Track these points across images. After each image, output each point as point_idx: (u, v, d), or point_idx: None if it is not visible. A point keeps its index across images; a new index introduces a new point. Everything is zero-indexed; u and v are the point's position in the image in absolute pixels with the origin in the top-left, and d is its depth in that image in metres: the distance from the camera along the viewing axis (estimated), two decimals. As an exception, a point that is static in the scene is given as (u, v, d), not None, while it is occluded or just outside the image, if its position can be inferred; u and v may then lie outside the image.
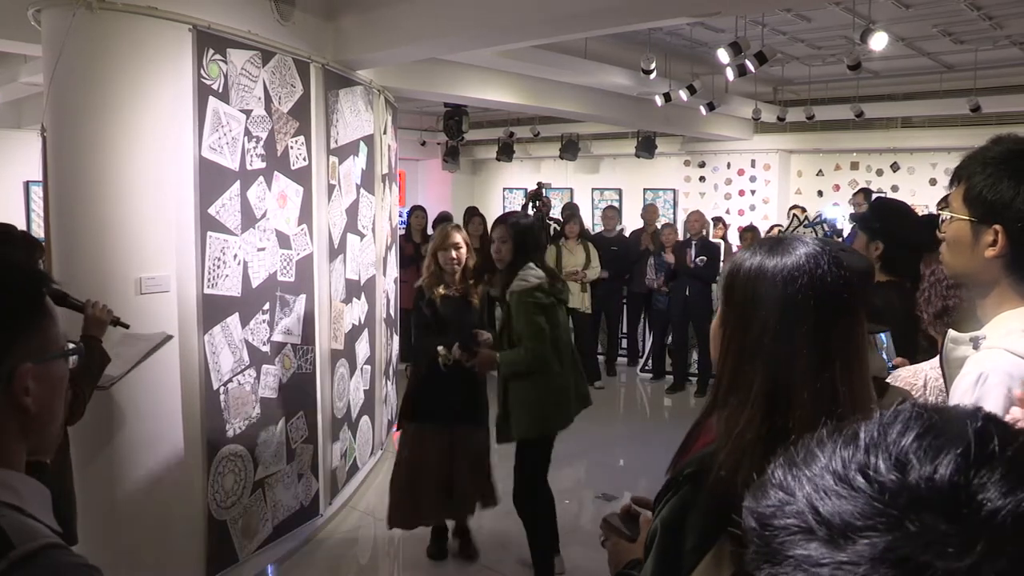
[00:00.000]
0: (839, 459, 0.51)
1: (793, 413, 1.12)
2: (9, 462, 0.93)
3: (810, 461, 0.52)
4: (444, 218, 8.77)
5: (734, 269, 1.22)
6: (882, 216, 2.90)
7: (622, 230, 9.19)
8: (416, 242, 8.38)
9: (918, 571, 0.44)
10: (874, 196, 8.12)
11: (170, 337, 3.37)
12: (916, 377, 2.12)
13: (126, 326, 2.99)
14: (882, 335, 2.15)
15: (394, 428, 6.43)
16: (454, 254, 4.05)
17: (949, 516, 0.45)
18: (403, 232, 8.39)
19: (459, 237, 4.10)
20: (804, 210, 9.42)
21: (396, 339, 6.61)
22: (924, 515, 0.45)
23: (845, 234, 8.03)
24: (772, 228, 9.50)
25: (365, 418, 5.47)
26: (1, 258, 0.98)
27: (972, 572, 0.43)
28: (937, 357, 2.13)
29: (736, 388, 1.17)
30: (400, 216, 9.46)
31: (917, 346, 2.47)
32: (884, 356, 2.12)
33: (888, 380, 2.08)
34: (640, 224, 9.43)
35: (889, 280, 2.70)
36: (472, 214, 8.41)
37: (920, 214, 3.94)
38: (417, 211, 8.74)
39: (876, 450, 0.50)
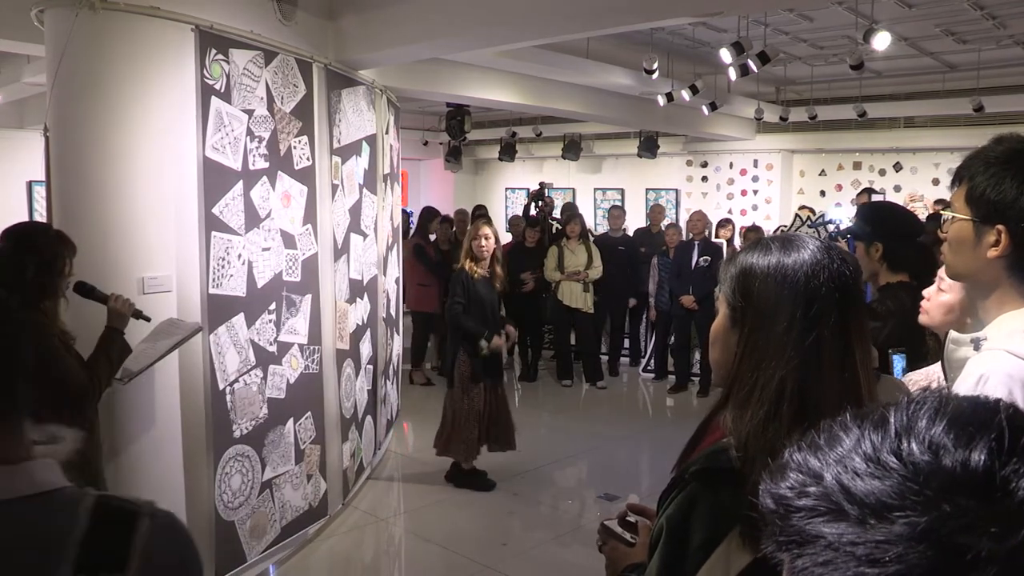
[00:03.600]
0: (869, 442, 0.51)
1: (823, 408, 1.11)
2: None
3: (834, 444, 0.52)
4: (446, 219, 8.79)
5: (746, 268, 1.21)
6: (871, 217, 2.90)
7: (625, 230, 9.18)
8: (444, 250, 8.31)
9: (957, 552, 0.44)
10: (865, 199, 8.13)
11: (200, 328, 3.47)
12: (929, 379, 2.11)
13: (147, 319, 3.17)
14: (897, 356, 2.15)
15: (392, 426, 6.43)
16: (484, 242, 5.14)
17: (983, 500, 0.45)
18: (418, 238, 8.34)
19: (488, 229, 5.21)
20: (813, 211, 9.41)
21: (397, 339, 6.61)
22: (959, 498, 0.45)
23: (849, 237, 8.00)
24: (778, 228, 9.50)
25: (369, 418, 5.48)
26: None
27: (1013, 556, 0.43)
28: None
29: (756, 387, 1.16)
30: (409, 216, 9.37)
31: (927, 348, 2.46)
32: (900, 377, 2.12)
33: (902, 381, 2.08)
34: (641, 223, 9.42)
35: (899, 280, 2.70)
36: (477, 215, 8.43)
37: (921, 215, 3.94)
38: (444, 223, 8.58)
39: (908, 435, 0.50)
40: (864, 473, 0.49)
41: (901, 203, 9.39)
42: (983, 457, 0.47)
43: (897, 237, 2.73)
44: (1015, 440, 0.48)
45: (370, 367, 5.46)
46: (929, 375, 2.13)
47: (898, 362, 2.16)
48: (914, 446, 0.49)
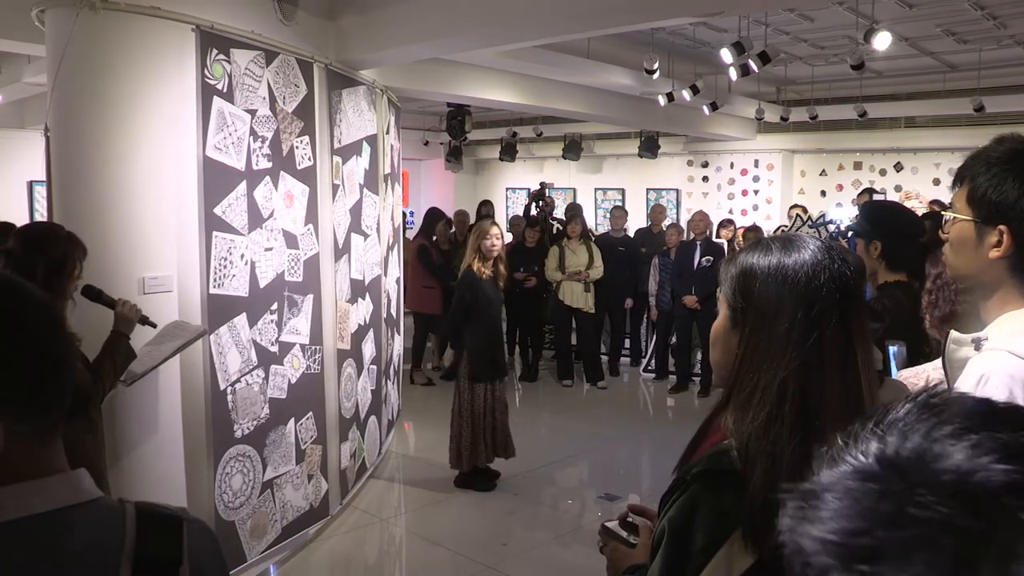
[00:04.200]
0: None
1: (824, 409, 1.12)
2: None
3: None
4: (446, 220, 8.78)
5: (747, 269, 1.21)
6: (872, 216, 2.91)
7: (626, 230, 9.18)
8: (445, 250, 8.31)
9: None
10: (866, 199, 8.12)
11: (206, 331, 3.49)
12: (918, 377, 2.13)
13: (154, 325, 3.19)
14: (893, 348, 2.16)
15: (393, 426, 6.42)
16: (494, 242, 5.19)
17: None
18: (422, 239, 8.31)
19: (496, 229, 5.24)
20: (805, 210, 9.40)
21: (398, 339, 6.61)
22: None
23: (849, 236, 8.01)
24: (777, 229, 9.48)
25: (373, 418, 5.47)
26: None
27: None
28: (938, 359, 2.14)
29: (757, 388, 1.16)
30: (408, 216, 9.35)
31: (929, 347, 2.47)
32: (895, 368, 2.13)
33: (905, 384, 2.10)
34: (641, 223, 9.41)
35: (897, 280, 2.70)
36: (483, 214, 8.45)
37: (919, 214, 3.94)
38: (444, 224, 8.58)
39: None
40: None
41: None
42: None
43: (896, 237, 2.74)
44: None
45: (374, 367, 5.46)
46: (919, 373, 2.14)
47: (892, 352, 2.16)
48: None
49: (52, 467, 0.92)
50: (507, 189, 14.40)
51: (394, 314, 6.29)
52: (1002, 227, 1.34)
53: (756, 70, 6.63)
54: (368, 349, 5.34)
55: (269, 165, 4.03)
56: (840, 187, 10.94)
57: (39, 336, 0.92)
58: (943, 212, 1.51)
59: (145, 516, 0.96)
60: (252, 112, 3.91)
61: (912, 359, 2.28)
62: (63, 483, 0.92)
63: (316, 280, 4.45)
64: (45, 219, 3.95)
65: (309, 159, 4.37)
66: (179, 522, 0.97)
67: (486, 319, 5.21)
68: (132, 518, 0.94)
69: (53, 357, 0.93)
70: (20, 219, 7.68)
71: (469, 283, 5.20)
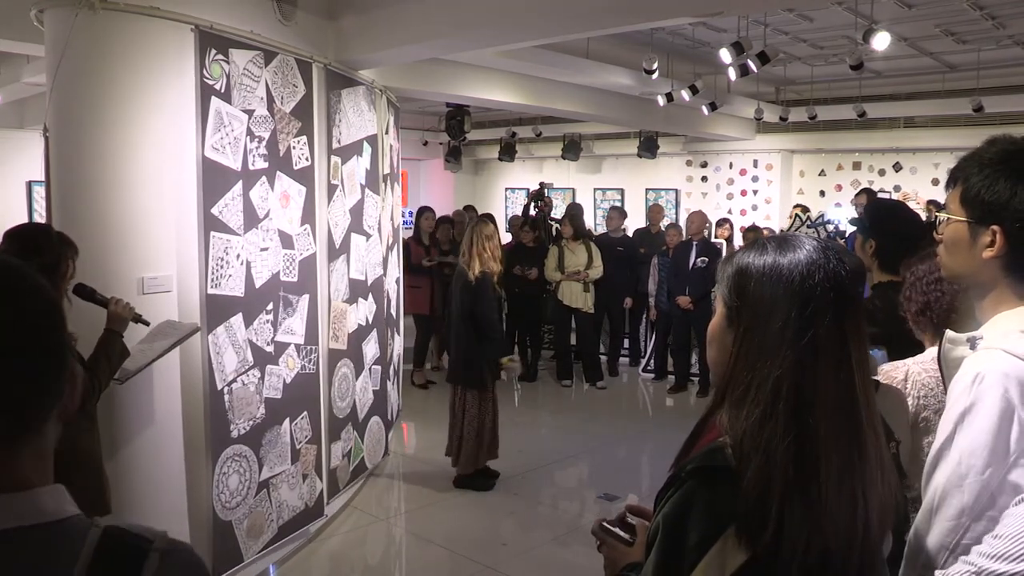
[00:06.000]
0: None
1: (818, 407, 1.13)
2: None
3: None
4: (445, 219, 8.78)
5: (743, 268, 1.22)
6: (872, 214, 2.93)
7: (625, 230, 9.18)
8: (446, 250, 8.31)
9: None
10: (863, 199, 8.14)
11: (198, 328, 3.50)
12: (896, 371, 2.14)
13: (146, 323, 3.22)
14: (877, 352, 2.17)
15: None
16: (497, 243, 5.24)
17: None
18: (413, 237, 8.32)
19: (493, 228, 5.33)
20: (807, 209, 9.41)
21: (398, 339, 6.61)
22: None
23: (848, 234, 8.05)
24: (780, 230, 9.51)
25: (376, 419, 5.46)
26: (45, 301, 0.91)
27: None
28: (921, 355, 2.16)
29: (751, 386, 1.16)
30: (404, 216, 9.41)
31: (919, 347, 2.47)
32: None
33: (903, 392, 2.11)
34: (642, 223, 9.41)
35: (890, 280, 2.70)
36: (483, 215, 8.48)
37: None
38: (427, 214, 8.62)
39: None
40: None
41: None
42: None
43: (892, 236, 2.74)
44: None
45: (377, 368, 5.46)
46: (897, 367, 2.15)
47: (881, 357, 2.17)
48: None
49: (13, 483, 0.85)
50: (506, 189, 14.41)
51: (394, 314, 6.29)
52: (995, 227, 1.35)
53: (755, 70, 6.63)
54: (371, 349, 5.34)
55: (265, 165, 4.03)
56: (839, 187, 10.95)
57: (40, 328, 0.88)
58: (938, 213, 1.53)
59: (107, 543, 0.87)
60: (249, 112, 3.91)
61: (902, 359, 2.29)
62: (19, 501, 0.84)
63: (312, 280, 4.45)
64: (44, 219, 3.96)
65: (306, 159, 4.37)
66: (143, 554, 0.87)
67: (497, 318, 5.35)
68: (92, 546, 0.86)
69: (52, 352, 0.88)
70: (19, 219, 7.67)
71: (490, 286, 5.29)
